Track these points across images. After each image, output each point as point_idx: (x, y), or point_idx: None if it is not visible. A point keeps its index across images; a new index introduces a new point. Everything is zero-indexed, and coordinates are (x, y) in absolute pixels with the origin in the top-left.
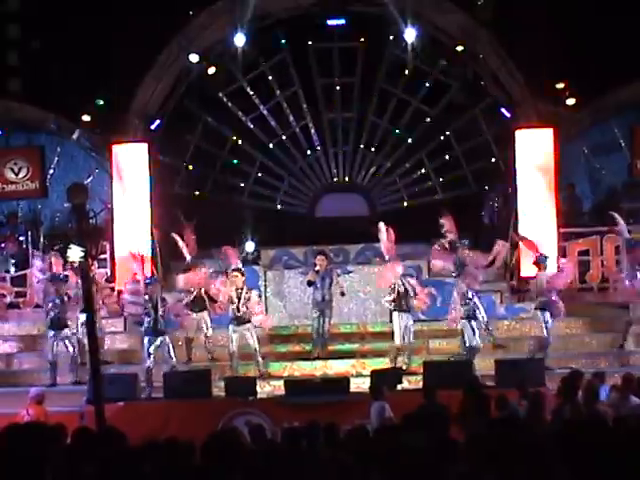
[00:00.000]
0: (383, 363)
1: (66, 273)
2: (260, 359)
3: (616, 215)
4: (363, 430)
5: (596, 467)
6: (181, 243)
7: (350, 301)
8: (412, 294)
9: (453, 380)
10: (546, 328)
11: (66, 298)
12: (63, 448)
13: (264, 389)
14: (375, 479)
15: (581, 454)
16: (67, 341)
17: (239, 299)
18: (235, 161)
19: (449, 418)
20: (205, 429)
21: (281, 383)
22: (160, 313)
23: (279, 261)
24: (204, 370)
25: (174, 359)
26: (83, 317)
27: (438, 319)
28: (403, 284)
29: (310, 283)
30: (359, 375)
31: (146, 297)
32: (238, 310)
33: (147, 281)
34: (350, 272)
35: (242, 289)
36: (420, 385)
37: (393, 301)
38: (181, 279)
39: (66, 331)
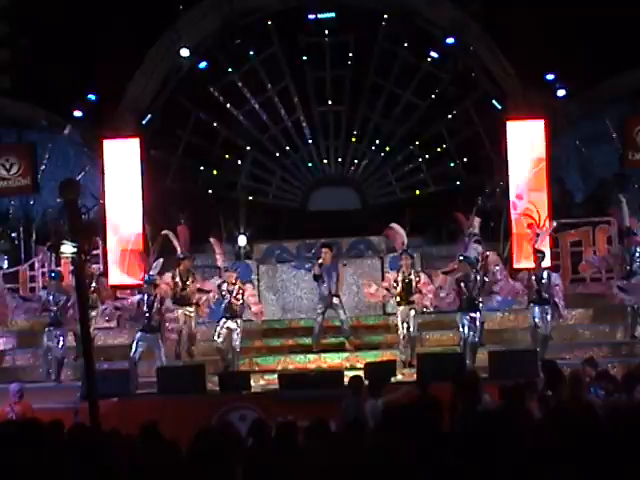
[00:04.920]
0: (377, 356)
1: (59, 269)
2: (236, 357)
3: (624, 205)
4: (359, 426)
5: (582, 453)
6: (174, 239)
7: (343, 294)
8: (416, 289)
9: (448, 372)
10: (545, 321)
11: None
12: (60, 445)
13: (258, 383)
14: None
15: (567, 441)
16: (62, 337)
17: (230, 293)
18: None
19: (442, 411)
20: (200, 424)
21: (275, 377)
22: (154, 311)
23: (272, 255)
24: (198, 365)
25: (164, 359)
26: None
27: (432, 311)
28: (411, 279)
29: (316, 277)
30: (353, 368)
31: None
32: (230, 304)
33: (145, 278)
34: (343, 265)
35: (235, 285)
36: (415, 377)
37: (398, 295)
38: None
39: (63, 328)
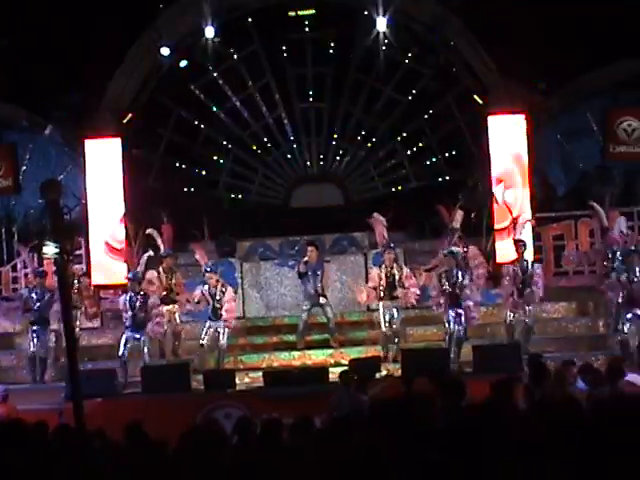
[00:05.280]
0: (361, 352)
1: (43, 269)
2: (222, 356)
3: (595, 205)
4: (343, 421)
5: (567, 445)
6: (158, 238)
7: (327, 291)
8: (400, 284)
9: (433, 368)
10: (530, 314)
11: (47, 294)
12: (45, 445)
13: (243, 381)
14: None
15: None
16: (45, 337)
17: (213, 297)
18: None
19: (429, 407)
20: (185, 423)
21: (259, 375)
22: (138, 309)
23: (255, 253)
24: (182, 364)
25: (147, 357)
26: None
27: (415, 307)
28: (394, 274)
29: (301, 275)
30: (338, 364)
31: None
32: (214, 307)
33: (129, 276)
34: (326, 261)
35: (216, 287)
36: (399, 373)
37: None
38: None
39: (47, 327)
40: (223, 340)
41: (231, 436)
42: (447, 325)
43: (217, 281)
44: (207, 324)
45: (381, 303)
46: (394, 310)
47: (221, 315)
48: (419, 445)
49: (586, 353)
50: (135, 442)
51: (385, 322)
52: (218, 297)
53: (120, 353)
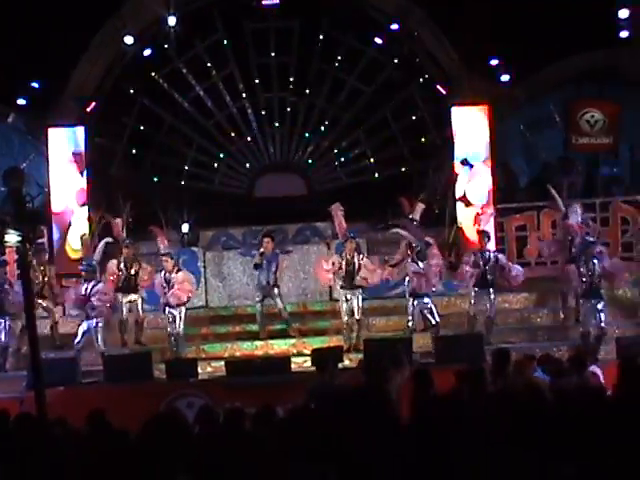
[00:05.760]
0: (324, 342)
1: (4, 258)
2: (177, 341)
3: (552, 190)
4: (306, 410)
5: (530, 434)
6: (115, 227)
7: (289, 280)
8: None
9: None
10: (490, 305)
11: (7, 285)
12: (6, 434)
13: (205, 370)
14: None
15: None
16: (6, 325)
17: (168, 282)
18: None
19: (386, 395)
20: (147, 412)
21: (222, 364)
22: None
23: (218, 242)
24: (145, 353)
25: (100, 344)
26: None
27: (379, 296)
28: (353, 262)
29: (257, 266)
30: (300, 354)
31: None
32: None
33: (82, 267)
34: (289, 251)
35: (172, 272)
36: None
37: (342, 279)
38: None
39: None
40: (180, 327)
41: (193, 425)
42: (410, 316)
43: (174, 266)
44: (166, 311)
45: (341, 291)
46: (354, 299)
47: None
48: (383, 435)
49: (549, 343)
50: (97, 430)
51: (346, 311)
52: (173, 282)
53: (76, 341)
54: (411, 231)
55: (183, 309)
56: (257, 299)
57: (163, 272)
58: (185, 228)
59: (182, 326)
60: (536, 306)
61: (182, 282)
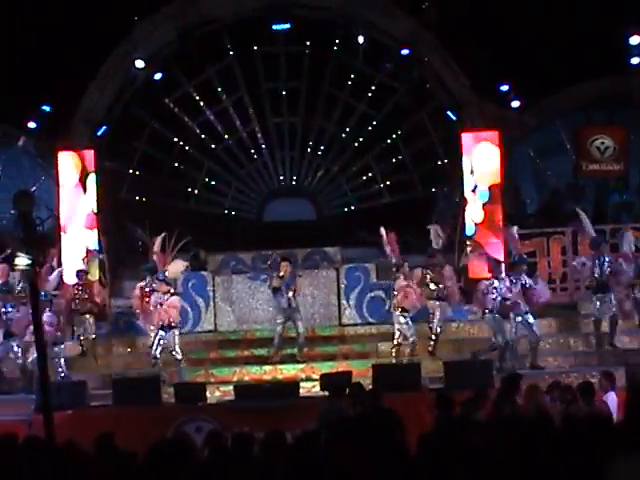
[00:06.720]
0: (333, 367)
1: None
2: (181, 366)
3: (581, 212)
4: (314, 434)
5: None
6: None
7: (299, 305)
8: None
9: (401, 383)
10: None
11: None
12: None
13: (214, 394)
14: None
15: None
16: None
17: (161, 305)
18: None
19: (397, 422)
20: (155, 436)
21: (231, 388)
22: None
23: (227, 266)
24: (153, 376)
25: (62, 370)
26: None
27: (387, 322)
28: None
29: (275, 290)
30: (309, 379)
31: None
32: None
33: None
34: (299, 276)
35: (166, 294)
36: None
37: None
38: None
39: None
40: (176, 350)
41: (202, 450)
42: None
43: (167, 291)
44: (157, 335)
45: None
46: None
47: (171, 323)
48: (388, 461)
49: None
50: (105, 454)
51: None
52: (166, 305)
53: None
54: (392, 245)
55: (175, 331)
56: (279, 321)
57: (155, 294)
58: (193, 252)
59: (177, 350)
60: (551, 332)
61: (170, 306)
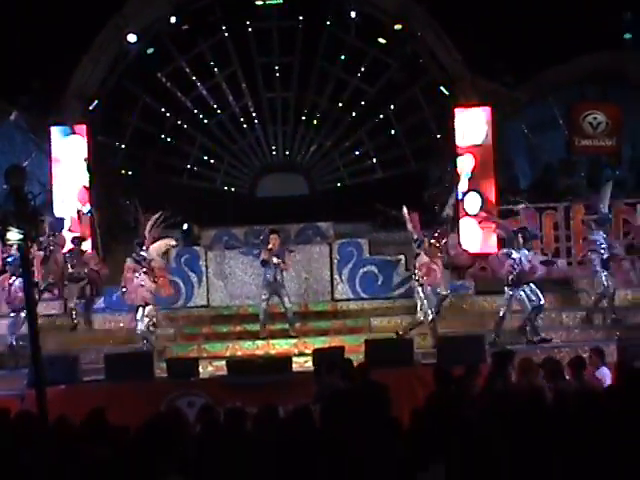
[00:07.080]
0: (325, 342)
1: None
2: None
3: (606, 187)
4: (306, 410)
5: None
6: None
7: (291, 280)
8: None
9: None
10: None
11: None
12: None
13: (206, 369)
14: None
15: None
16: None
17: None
18: None
19: (383, 395)
20: (148, 411)
21: (223, 363)
22: None
23: (220, 241)
24: (146, 352)
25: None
26: None
27: (379, 297)
28: None
29: (264, 262)
30: (301, 354)
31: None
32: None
33: None
34: (292, 251)
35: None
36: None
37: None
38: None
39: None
40: (148, 325)
41: (194, 424)
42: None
43: (135, 269)
44: (137, 312)
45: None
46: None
47: (148, 299)
48: (381, 434)
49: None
50: (96, 429)
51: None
52: (148, 279)
53: None
54: (414, 222)
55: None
56: (263, 297)
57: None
58: (185, 227)
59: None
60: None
61: (137, 285)
